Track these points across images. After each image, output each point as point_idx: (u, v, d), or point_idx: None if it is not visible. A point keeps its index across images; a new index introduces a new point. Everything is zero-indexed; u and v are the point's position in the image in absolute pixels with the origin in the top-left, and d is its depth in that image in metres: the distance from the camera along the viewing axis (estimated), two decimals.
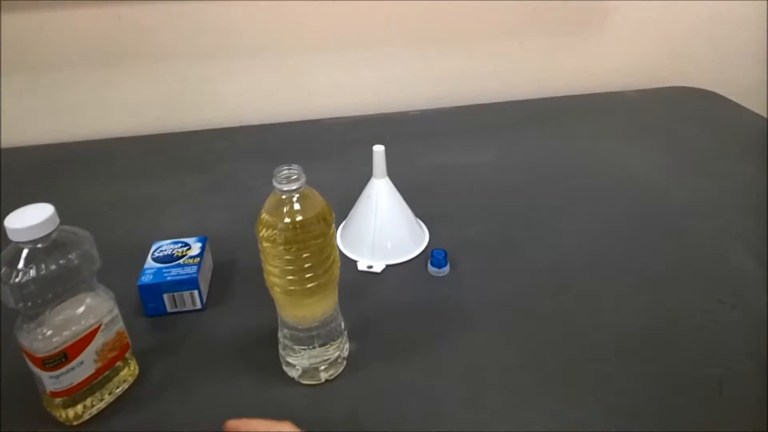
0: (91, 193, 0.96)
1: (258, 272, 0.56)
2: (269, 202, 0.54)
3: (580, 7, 1.23)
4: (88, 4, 1.06)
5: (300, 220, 0.53)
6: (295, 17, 1.13)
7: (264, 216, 0.54)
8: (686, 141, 1.08)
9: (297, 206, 0.53)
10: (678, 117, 1.18)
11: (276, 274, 0.54)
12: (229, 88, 1.19)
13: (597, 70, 1.31)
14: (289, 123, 1.19)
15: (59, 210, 0.51)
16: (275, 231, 0.53)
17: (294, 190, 0.53)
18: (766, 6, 1.29)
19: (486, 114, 1.21)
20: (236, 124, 1.20)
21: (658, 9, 1.26)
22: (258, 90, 1.20)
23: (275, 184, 0.53)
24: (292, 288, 0.54)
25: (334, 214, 0.56)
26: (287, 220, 0.53)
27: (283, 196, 0.53)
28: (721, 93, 1.27)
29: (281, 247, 0.52)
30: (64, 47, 1.09)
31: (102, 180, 1.00)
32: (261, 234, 0.54)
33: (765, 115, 1.16)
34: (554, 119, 1.17)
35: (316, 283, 0.54)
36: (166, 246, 0.72)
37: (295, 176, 0.53)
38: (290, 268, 0.53)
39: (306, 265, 0.53)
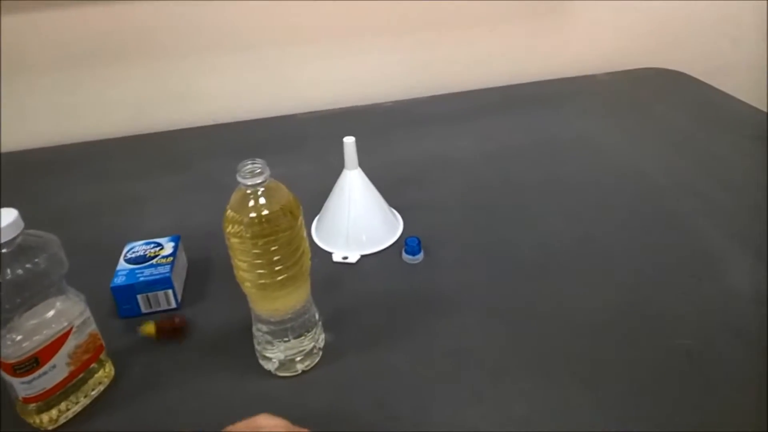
0: (65, 195, 0.96)
1: (232, 269, 0.57)
2: (234, 197, 0.54)
3: None
4: (57, 5, 1.04)
5: (266, 214, 0.53)
6: (263, 13, 1.13)
7: (229, 212, 0.54)
8: (659, 120, 1.09)
9: (262, 200, 0.53)
10: (650, 97, 1.19)
11: (245, 269, 0.54)
12: (202, 86, 1.18)
13: (568, 55, 1.32)
14: (264, 119, 1.19)
15: (33, 213, 0.51)
16: (241, 226, 0.53)
17: (258, 184, 0.53)
18: None
19: (459, 102, 1.21)
20: (210, 122, 1.20)
21: None
22: (229, 87, 1.19)
23: (239, 179, 0.53)
24: (263, 282, 0.54)
25: (301, 207, 0.56)
26: (253, 214, 0.53)
27: (248, 191, 0.53)
28: (690, 73, 1.28)
29: (249, 242, 0.53)
30: (29, 48, 1.08)
31: (77, 182, 1.00)
32: (228, 230, 0.54)
33: (733, 94, 1.17)
34: (528, 105, 1.18)
35: (286, 275, 0.54)
36: (138, 247, 0.72)
37: (259, 170, 0.53)
38: (259, 261, 0.53)
39: (275, 258, 0.53)
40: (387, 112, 1.19)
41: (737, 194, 0.85)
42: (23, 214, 0.51)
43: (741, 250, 0.73)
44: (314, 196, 0.83)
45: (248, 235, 0.53)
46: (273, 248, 0.53)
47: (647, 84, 1.26)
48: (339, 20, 1.17)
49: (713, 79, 1.24)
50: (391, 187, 0.83)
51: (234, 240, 0.54)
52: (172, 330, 0.65)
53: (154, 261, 0.69)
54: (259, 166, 0.53)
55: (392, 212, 0.82)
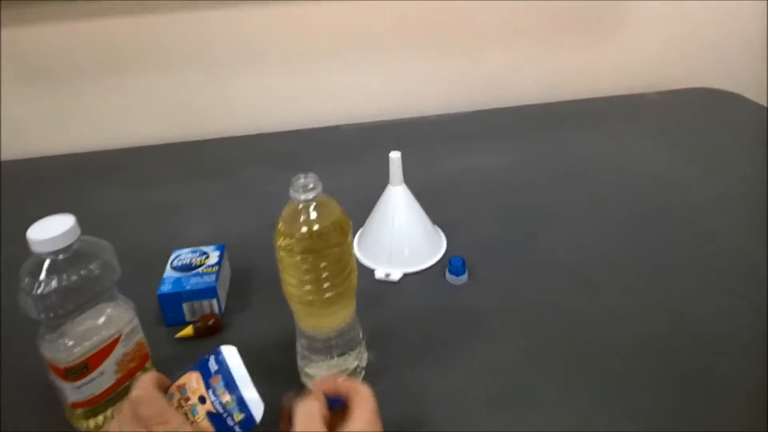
0: (108, 202, 0.97)
1: (275, 280, 0.56)
2: (286, 211, 0.54)
3: (598, 6, 1.22)
4: (103, 13, 1.07)
5: (317, 229, 0.53)
6: (309, 22, 1.14)
7: (281, 225, 0.54)
8: (710, 142, 1.06)
9: (313, 215, 0.53)
10: (700, 118, 1.16)
11: (293, 284, 0.54)
12: (245, 95, 1.19)
13: (616, 72, 1.29)
14: (306, 130, 1.20)
15: (77, 215, 0.52)
16: (292, 240, 0.53)
17: (311, 199, 0.53)
18: None
19: (503, 117, 1.20)
20: (252, 131, 1.21)
21: (678, 7, 1.24)
22: (273, 97, 1.20)
23: (292, 193, 0.53)
24: (310, 298, 0.54)
25: (351, 223, 0.56)
26: (304, 229, 0.53)
27: (300, 205, 0.53)
28: (743, 94, 1.25)
29: (298, 257, 0.52)
30: (79, 55, 1.10)
31: (119, 189, 1.01)
32: (278, 243, 0.54)
33: None
34: (573, 122, 1.16)
35: (333, 292, 0.54)
36: (184, 255, 0.72)
37: (312, 185, 0.53)
38: (307, 278, 0.53)
39: (323, 275, 0.53)
40: (430, 126, 1.18)
41: None
42: None
43: None
44: (357, 209, 0.82)
45: (298, 250, 0.52)
46: (322, 264, 0.53)
47: (698, 104, 1.23)
48: (384, 33, 1.17)
49: (765, 100, 1.21)
50: (433, 202, 0.82)
51: (283, 254, 0.53)
52: (207, 329, 0.66)
53: (200, 270, 0.69)
54: (312, 180, 0.53)
55: (436, 230, 0.81)
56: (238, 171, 1.04)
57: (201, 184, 1.01)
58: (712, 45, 1.30)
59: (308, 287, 0.54)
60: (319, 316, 0.56)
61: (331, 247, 0.53)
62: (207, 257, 0.72)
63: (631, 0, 1.23)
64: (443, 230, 0.82)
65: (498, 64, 1.24)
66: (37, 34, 1.07)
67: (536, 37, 1.23)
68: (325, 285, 0.53)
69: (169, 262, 0.71)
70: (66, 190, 1.01)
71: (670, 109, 1.21)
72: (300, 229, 0.53)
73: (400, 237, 0.76)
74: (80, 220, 0.52)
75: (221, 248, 0.74)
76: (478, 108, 1.24)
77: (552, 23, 1.22)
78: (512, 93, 1.26)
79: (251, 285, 0.75)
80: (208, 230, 0.87)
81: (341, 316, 0.57)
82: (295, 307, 0.56)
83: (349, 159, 1.06)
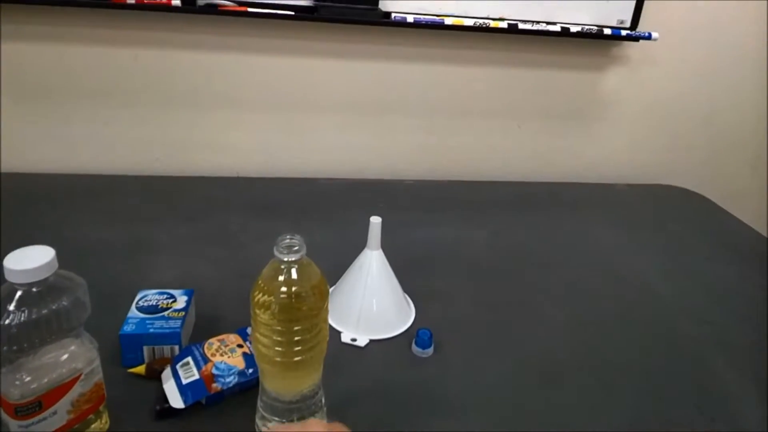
0: (81, 229, 0.95)
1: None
2: (267, 269, 0.55)
3: (582, 97, 1.29)
4: (108, 42, 1.08)
5: (296, 290, 0.53)
6: (306, 77, 1.17)
7: (261, 282, 0.54)
8: (673, 239, 1.12)
9: (294, 276, 0.54)
10: (665, 215, 1.23)
11: (264, 343, 0.54)
12: (232, 138, 1.21)
13: (592, 160, 1.37)
14: (287, 179, 1.21)
15: (47, 243, 0.51)
16: (270, 298, 0.53)
17: (294, 261, 0.53)
18: (765, 112, 1.37)
19: (479, 191, 1.24)
20: (234, 174, 1.21)
21: (656, 106, 1.33)
22: (259, 143, 1.22)
23: (276, 252, 0.53)
24: (279, 359, 0.54)
25: (328, 288, 0.56)
26: (284, 289, 0.53)
27: (282, 266, 0.54)
28: (709, 196, 1.33)
29: (274, 317, 0.53)
30: (77, 80, 1.11)
31: (93, 217, 1.00)
32: (255, 300, 0.54)
33: (748, 221, 1.21)
34: (545, 204, 1.21)
35: (303, 357, 0.54)
36: (151, 296, 0.71)
37: (296, 247, 0.54)
38: (279, 339, 0.53)
39: (296, 338, 0.53)
40: (407, 189, 1.22)
41: (749, 328, 0.86)
42: (39, 243, 0.51)
43: (754, 387, 0.74)
44: (328, 267, 0.82)
45: (275, 309, 0.53)
46: (296, 328, 0.53)
47: (664, 201, 1.31)
48: (371, 96, 1.22)
49: (730, 203, 1.29)
50: (405, 270, 0.83)
51: (259, 311, 0.54)
52: (160, 373, 0.64)
53: (165, 313, 0.68)
54: (297, 242, 0.54)
55: (406, 298, 0.82)
56: (214, 214, 1.04)
57: (176, 222, 1.00)
58: (683, 148, 1.39)
59: (279, 348, 0.53)
60: (284, 378, 0.56)
61: (307, 311, 0.53)
62: (174, 301, 0.71)
63: (611, 100, 1.31)
64: (413, 300, 0.83)
65: (481, 139, 1.30)
66: (29, 52, 1.07)
67: (519, 120, 1.29)
68: (296, 348, 0.53)
69: (135, 301, 0.70)
70: (44, 210, 1.00)
71: (636, 201, 1.28)
72: (280, 288, 0.53)
73: (371, 303, 0.77)
74: (53, 244, 0.52)
75: (189, 293, 0.73)
76: (457, 179, 1.28)
77: (536, 110, 1.29)
78: (492, 169, 1.32)
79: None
80: (176, 272, 0.86)
81: (307, 381, 0.57)
82: (263, 366, 0.56)
83: (325, 214, 1.08)
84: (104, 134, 1.16)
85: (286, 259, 0.53)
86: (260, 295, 0.53)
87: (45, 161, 1.15)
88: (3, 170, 1.12)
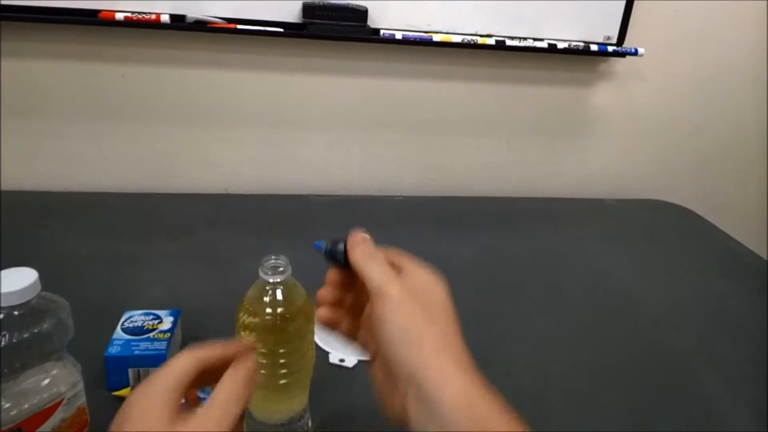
0: (66, 246, 0.95)
1: None
2: (252, 290, 0.54)
3: (570, 113, 1.30)
4: (96, 58, 1.08)
5: (281, 312, 0.53)
6: (295, 93, 1.18)
7: (246, 303, 0.54)
8: (660, 254, 1.13)
9: (279, 298, 0.53)
10: (653, 229, 1.24)
11: None
12: (221, 155, 1.20)
13: (581, 176, 1.38)
14: (276, 195, 1.21)
15: (33, 260, 0.50)
16: (255, 319, 0.53)
17: (279, 282, 0.53)
18: (753, 127, 1.38)
19: (471, 207, 1.24)
20: (223, 191, 1.21)
21: (644, 120, 1.34)
22: (248, 159, 1.22)
23: (261, 273, 0.53)
24: (264, 382, 0.53)
25: (315, 309, 0.56)
26: (269, 310, 0.53)
27: (267, 287, 0.53)
28: (697, 210, 1.34)
29: (259, 338, 0.52)
30: (64, 97, 1.10)
31: (79, 234, 0.99)
32: (240, 321, 0.53)
33: (735, 234, 1.22)
34: (537, 220, 1.22)
35: (289, 380, 0.54)
36: (137, 317, 0.71)
37: (282, 268, 0.54)
38: (264, 361, 0.53)
39: (281, 360, 0.53)
40: (397, 206, 1.22)
41: (739, 341, 0.87)
42: (25, 260, 0.51)
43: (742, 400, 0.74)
44: (317, 285, 0.82)
45: (260, 330, 0.52)
46: (281, 350, 0.53)
47: (652, 216, 1.31)
48: (360, 113, 1.22)
49: (718, 217, 1.30)
50: None
51: (243, 333, 0.53)
52: None
53: (151, 335, 0.68)
54: (282, 263, 0.54)
55: None
56: (201, 231, 1.04)
57: (162, 240, 0.99)
58: (671, 162, 1.40)
59: (264, 371, 0.53)
60: (269, 401, 0.56)
61: (293, 333, 0.53)
62: (160, 322, 0.70)
63: (599, 115, 1.32)
64: None
65: (471, 156, 1.30)
66: (17, 69, 1.07)
67: (508, 136, 1.30)
68: (282, 371, 0.53)
69: (120, 322, 0.69)
70: (28, 226, 0.99)
71: (625, 216, 1.29)
72: (265, 309, 0.53)
73: None
74: (34, 261, 0.51)
75: (176, 314, 0.72)
76: (446, 195, 1.28)
77: (525, 125, 1.30)
78: (480, 185, 1.32)
79: None
80: (164, 290, 0.86)
81: (293, 404, 0.56)
82: None
83: (313, 231, 1.07)
84: (92, 151, 1.15)
85: (271, 281, 0.53)
86: (245, 316, 0.53)
87: (31, 178, 1.14)
88: None
